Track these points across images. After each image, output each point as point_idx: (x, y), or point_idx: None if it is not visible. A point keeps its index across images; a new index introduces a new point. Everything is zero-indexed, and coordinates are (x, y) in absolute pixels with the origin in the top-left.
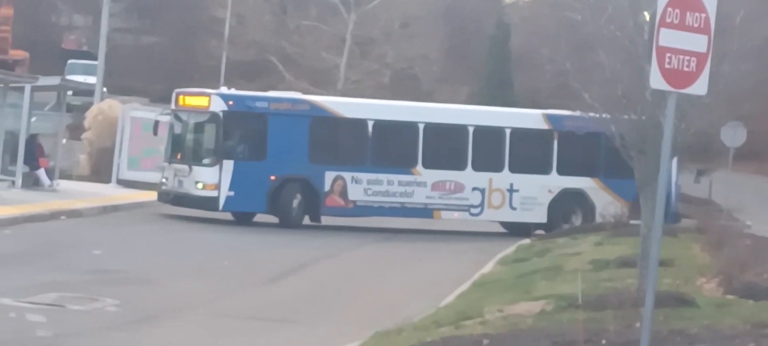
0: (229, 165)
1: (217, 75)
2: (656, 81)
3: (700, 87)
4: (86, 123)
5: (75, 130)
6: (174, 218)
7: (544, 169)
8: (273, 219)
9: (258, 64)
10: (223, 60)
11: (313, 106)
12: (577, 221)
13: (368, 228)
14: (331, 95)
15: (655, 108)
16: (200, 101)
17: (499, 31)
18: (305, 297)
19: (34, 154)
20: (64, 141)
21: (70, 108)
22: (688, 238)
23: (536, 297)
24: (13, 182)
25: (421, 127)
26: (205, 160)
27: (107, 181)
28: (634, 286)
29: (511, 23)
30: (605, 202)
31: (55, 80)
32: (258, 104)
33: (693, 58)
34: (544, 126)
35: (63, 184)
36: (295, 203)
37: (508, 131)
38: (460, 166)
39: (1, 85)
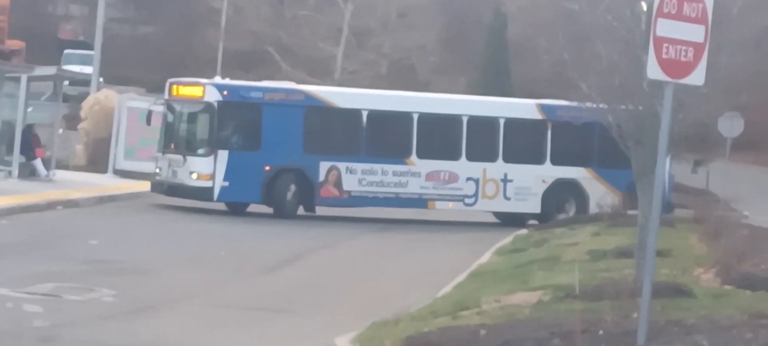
0: (223, 155)
1: (214, 65)
2: (653, 71)
3: (697, 77)
4: (83, 113)
5: (71, 121)
6: (170, 208)
7: (538, 160)
8: (266, 209)
9: (255, 55)
10: (220, 50)
11: (308, 96)
12: (570, 211)
13: (363, 218)
14: (328, 86)
15: (653, 98)
16: (194, 91)
17: (497, 21)
18: (302, 287)
19: (30, 144)
20: (61, 131)
21: (66, 98)
22: (686, 228)
23: (533, 287)
24: (10, 172)
25: (415, 117)
26: (200, 151)
27: (104, 171)
28: (631, 276)
29: (509, 13)
30: (598, 192)
31: (51, 70)
32: (252, 94)
33: (690, 49)
34: (538, 116)
35: (59, 174)
36: (290, 193)
37: (502, 121)
38: (455, 156)
39: None
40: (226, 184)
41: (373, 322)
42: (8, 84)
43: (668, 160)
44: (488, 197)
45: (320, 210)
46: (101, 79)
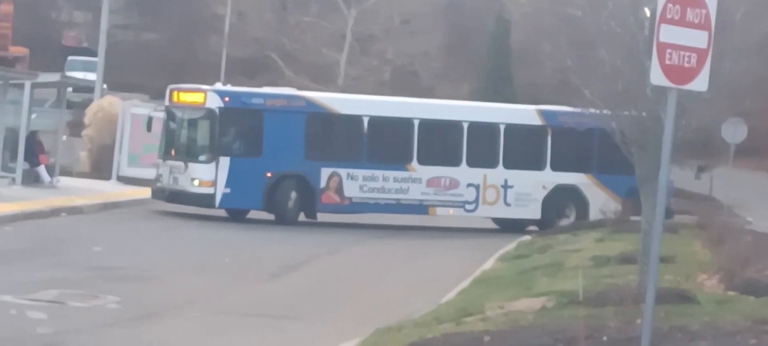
0: (225, 162)
1: (217, 71)
2: (657, 77)
3: (700, 83)
4: (86, 120)
5: (75, 127)
6: (172, 215)
7: (538, 165)
8: (267, 216)
9: (258, 61)
10: (224, 57)
11: (309, 103)
12: (571, 216)
13: (365, 225)
14: (331, 92)
15: (656, 104)
16: (196, 98)
17: (500, 27)
18: (304, 294)
19: (34, 151)
20: (65, 138)
21: (70, 105)
22: (689, 234)
23: (537, 294)
24: (14, 179)
25: (416, 123)
26: (202, 157)
27: (107, 178)
28: (635, 282)
29: (512, 19)
30: (598, 198)
31: (55, 77)
32: (254, 101)
33: (693, 55)
34: (538, 122)
35: (63, 181)
36: (291, 199)
37: (502, 127)
38: (455, 162)
39: (2, 82)
40: (228, 190)
41: (377, 328)
42: (12, 91)
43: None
44: (489, 203)
45: (321, 216)
46: (105, 86)
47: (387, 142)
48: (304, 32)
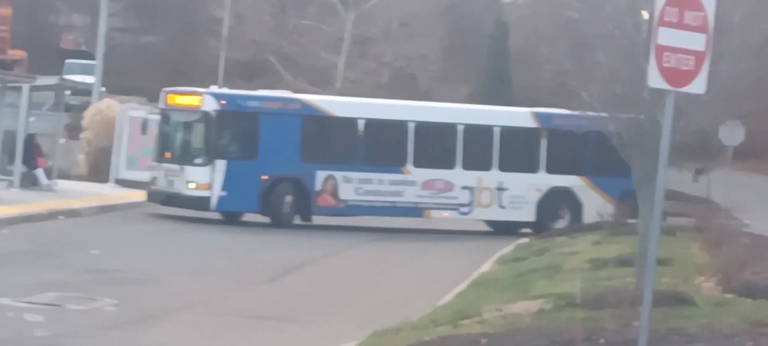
0: (221, 165)
1: (215, 74)
2: (654, 80)
3: (698, 86)
4: (84, 123)
5: (73, 130)
6: (169, 218)
7: (533, 168)
8: (262, 218)
9: (256, 64)
10: (222, 59)
11: (305, 105)
12: (565, 219)
13: (361, 228)
14: (329, 95)
15: (654, 107)
16: (192, 100)
17: (498, 29)
18: (301, 296)
19: (32, 153)
20: (63, 141)
21: (68, 108)
22: (687, 237)
23: (534, 296)
24: (12, 182)
25: (411, 126)
26: (198, 160)
27: (105, 180)
28: (632, 285)
29: (510, 22)
30: (592, 200)
31: (53, 80)
32: (250, 103)
33: (691, 57)
34: (533, 124)
35: (61, 183)
36: (287, 202)
37: (497, 130)
38: (450, 165)
39: (0, 85)
40: (224, 193)
41: (374, 331)
42: (10, 94)
43: None
44: (483, 205)
45: (316, 219)
46: (103, 89)
47: (382, 145)
48: (303, 35)
